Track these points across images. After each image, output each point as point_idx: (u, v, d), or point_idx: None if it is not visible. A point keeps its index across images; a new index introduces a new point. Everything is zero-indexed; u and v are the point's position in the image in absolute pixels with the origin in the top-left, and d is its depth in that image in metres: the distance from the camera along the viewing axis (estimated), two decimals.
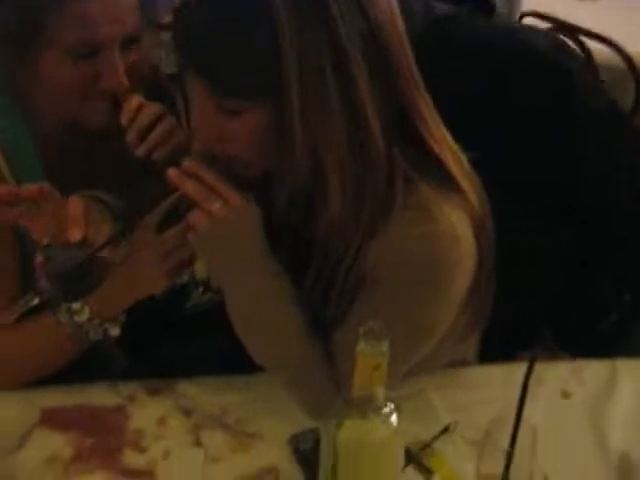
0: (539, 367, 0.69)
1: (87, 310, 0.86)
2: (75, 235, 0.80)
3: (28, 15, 0.83)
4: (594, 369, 0.99)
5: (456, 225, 0.79)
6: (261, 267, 0.83)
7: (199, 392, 0.96)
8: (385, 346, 0.61)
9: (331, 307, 0.84)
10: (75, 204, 0.82)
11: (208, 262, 0.89)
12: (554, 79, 1.05)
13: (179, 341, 1.10)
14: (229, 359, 0.95)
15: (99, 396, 0.95)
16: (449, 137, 0.82)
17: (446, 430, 0.88)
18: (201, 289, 0.96)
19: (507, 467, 0.65)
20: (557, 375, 0.94)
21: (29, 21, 0.84)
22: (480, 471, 0.69)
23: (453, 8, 1.09)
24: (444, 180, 0.79)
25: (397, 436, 0.67)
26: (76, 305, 0.85)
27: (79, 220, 0.81)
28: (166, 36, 0.97)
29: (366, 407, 0.64)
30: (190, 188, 0.78)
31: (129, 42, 0.89)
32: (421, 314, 0.83)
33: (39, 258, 0.83)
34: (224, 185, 0.79)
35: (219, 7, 0.74)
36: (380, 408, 0.64)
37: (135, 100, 0.90)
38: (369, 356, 0.61)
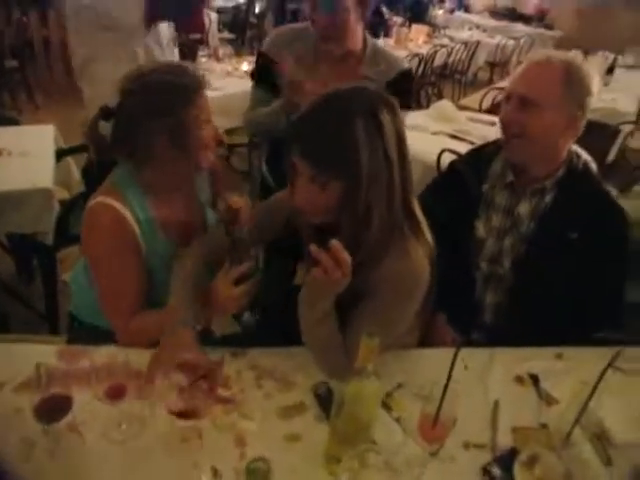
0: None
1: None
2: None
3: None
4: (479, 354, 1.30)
5: (423, 263, 1.08)
6: (330, 300, 1.09)
7: (261, 356, 1.27)
8: (377, 341, 0.83)
9: (345, 309, 1.10)
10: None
11: (307, 293, 1.12)
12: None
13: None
14: (282, 339, 1.27)
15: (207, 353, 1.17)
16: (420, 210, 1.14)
17: (400, 386, 1.19)
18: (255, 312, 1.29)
19: (438, 409, 0.90)
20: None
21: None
22: (424, 410, 0.94)
23: None
24: (418, 234, 1.11)
25: (378, 390, 0.93)
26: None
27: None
28: None
29: (363, 373, 0.88)
30: (323, 258, 0.99)
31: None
32: (400, 313, 1.11)
33: None
34: (347, 262, 1.00)
35: (321, 120, 1.01)
36: (370, 375, 0.88)
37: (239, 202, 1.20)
38: (368, 346, 0.85)
